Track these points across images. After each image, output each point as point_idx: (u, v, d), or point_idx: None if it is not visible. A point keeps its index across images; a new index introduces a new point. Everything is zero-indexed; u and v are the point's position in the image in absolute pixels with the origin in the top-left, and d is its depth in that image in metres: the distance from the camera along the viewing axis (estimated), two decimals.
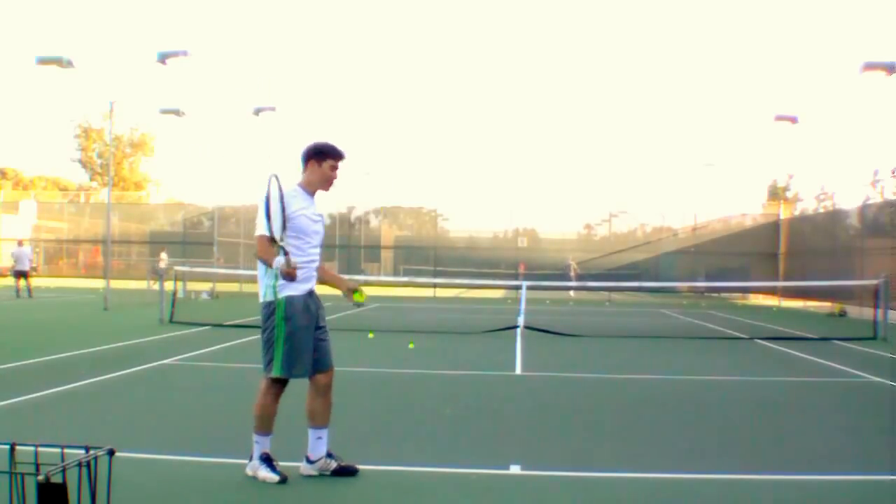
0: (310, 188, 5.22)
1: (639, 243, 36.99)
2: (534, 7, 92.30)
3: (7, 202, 44.45)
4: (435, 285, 33.15)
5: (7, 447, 3.45)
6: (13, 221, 40.96)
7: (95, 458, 3.39)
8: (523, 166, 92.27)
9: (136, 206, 46.85)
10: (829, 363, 11.90)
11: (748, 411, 8.16)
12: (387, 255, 39.50)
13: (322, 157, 5.20)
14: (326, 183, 5.24)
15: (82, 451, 3.39)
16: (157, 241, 38.60)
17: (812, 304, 28.48)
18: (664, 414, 7.95)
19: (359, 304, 5.33)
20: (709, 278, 32.10)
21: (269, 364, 5.03)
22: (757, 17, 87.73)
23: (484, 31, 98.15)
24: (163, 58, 20.94)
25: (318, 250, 5.22)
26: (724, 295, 34.99)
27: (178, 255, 32.30)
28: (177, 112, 28.21)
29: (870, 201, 34.61)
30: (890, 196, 44.53)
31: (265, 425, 5.06)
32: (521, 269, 34.31)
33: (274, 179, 4.99)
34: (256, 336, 14.38)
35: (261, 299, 5.11)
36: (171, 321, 16.12)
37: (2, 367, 9.73)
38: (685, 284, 34.05)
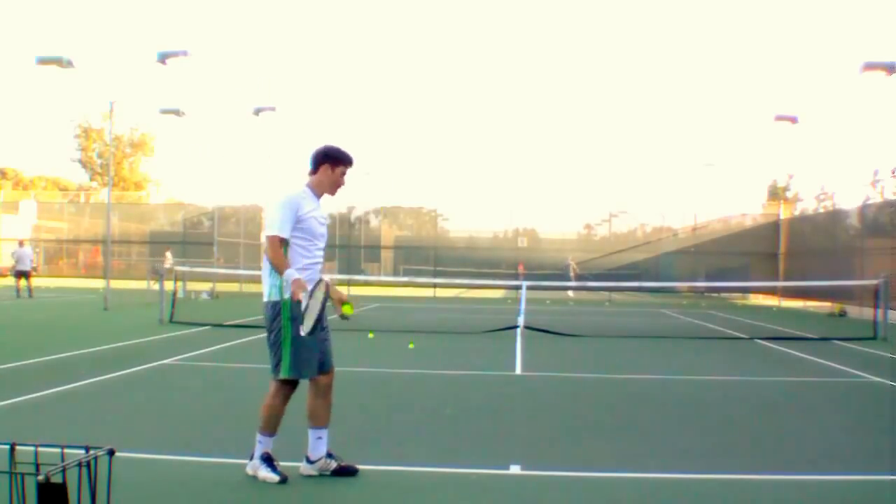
0: (318, 190, 5.23)
1: (639, 243, 36.99)
2: (534, 7, 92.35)
3: (7, 202, 44.47)
4: (435, 285, 33.15)
5: (7, 447, 3.45)
6: (13, 221, 40.96)
7: (95, 458, 3.39)
8: (523, 166, 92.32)
9: (136, 206, 46.85)
10: (829, 363, 11.90)
11: (748, 411, 8.16)
12: (387, 255, 39.50)
13: (336, 163, 5.23)
14: (335, 187, 5.27)
15: (82, 451, 3.39)
16: (157, 241, 38.60)
17: (812, 304, 28.48)
18: (664, 414, 7.95)
19: (345, 317, 5.29)
20: (709, 278, 32.10)
21: (277, 366, 5.02)
22: (757, 17, 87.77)
23: (484, 31, 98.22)
24: (163, 58, 20.94)
25: (322, 252, 5.24)
26: (724, 295, 34.99)
27: (178, 255, 32.26)
28: (177, 112, 28.22)
29: (870, 201, 34.62)
30: (890, 196, 44.58)
31: (271, 426, 5.06)
32: (521, 270, 34.30)
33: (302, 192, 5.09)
34: (257, 336, 14.44)
35: (265, 298, 5.10)
36: (171, 321, 16.13)
37: (2, 367, 9.73)
38: (685, 284, 34.04)
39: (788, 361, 12.40)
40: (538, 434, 6.88)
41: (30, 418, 7.02)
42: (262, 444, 5.06)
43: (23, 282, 24.82)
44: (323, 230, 5.22)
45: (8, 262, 31.07)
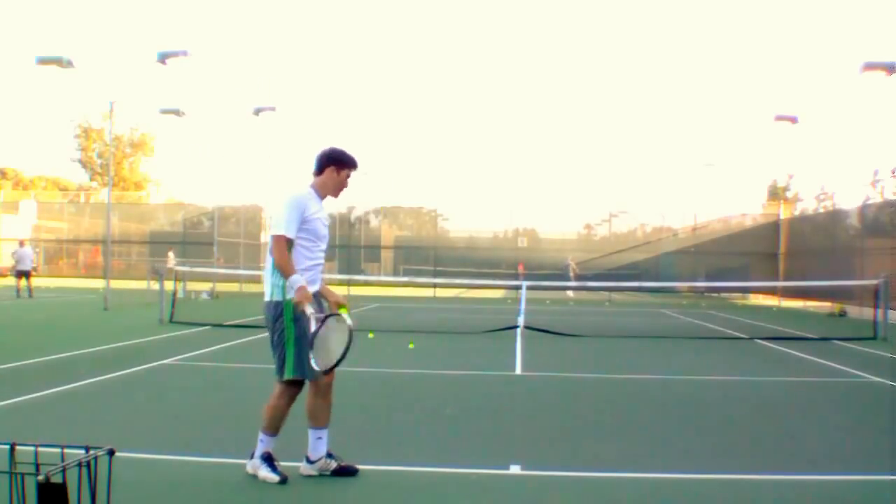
0: (322, 192, 5.23)
1: (639, 243, 36.99)
2: (534, 7, 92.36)
3: (7, 202, 44.48)
4: (435, 285, 33.16)
5: (7, 447, 3.45)
6: (13, 221, 40.98)
7: (95, 458, 3.39)
8: (523, 166, 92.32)
9: (136, 206, 46.86)
10: (829, 363, 11.90)
11: (748, 411, 8.16)
12: (387, 255, 39.50)
13: (342, 166, 5.25)
14: (339, 190, 5.29)
15: (82, 451, 3.39)
16: (157, 241, 38.62)
17: (812, 304, 28.48)
18: (664, 414, 7.95)
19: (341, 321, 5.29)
20: (709, 278, 32.11)
21: (281, 367, 5.02)
22: (757, 17, 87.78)
23: (484, 31, 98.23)
24: (163, 58, 20.95)
25: (324, 253, 5.25)
26: (724, 295, 35.00)
27: (178, 255, 32.29)
28: (177, 112, 28.22)
29: (870, 201, 34.64)
30: (890, 196, 44.60)
31: (273, 426, 5.07)
32: (521, 270, 34.29)
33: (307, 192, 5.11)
34: (257, 336, 14.44)
35: (266, 298, 5.10)
36: (171, 321, 16.13)
37: (2, 367, 9.73)
38: (685, 284, 34.05)
39: (788, 361, 12.40)
40: (538, 434, 6.88)
41: (30, 418, 7.02)
42: (263, 444, 5.07)
43: (23, 282, 24.86)
44: (326, 232, 5.24)
45: (8, 262, 31.09)
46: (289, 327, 4.99)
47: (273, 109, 29.40)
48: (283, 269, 4.96)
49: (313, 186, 5.22)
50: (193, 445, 6.10)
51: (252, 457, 5.12)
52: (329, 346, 4.87)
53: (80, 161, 63.02)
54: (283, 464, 5.08)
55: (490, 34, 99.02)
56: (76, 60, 20.20)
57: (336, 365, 4.84)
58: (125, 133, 61.30)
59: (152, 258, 35.57)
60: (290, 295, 4.96)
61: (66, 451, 3.42)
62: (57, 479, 3.16)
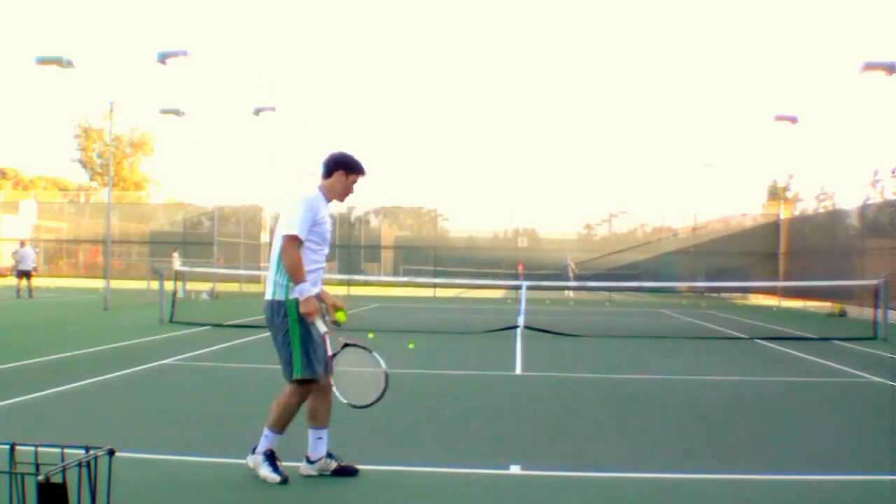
0: (329, 195, 5.24)
1: (639, 243, 36.99)
2: (534, 7, 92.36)
3: (7, 202, 44.47)
4: (435, 285, 33.16)
5: (7, 447, 3.45)
6: (13, 221, 40.98)
7: (95, 458, 3.39)
8: (523, 166, 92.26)
9: (136, 206, 46.85)
10: (829, 363, 11.90)
11: (748, 411, 8.16)
12: (387, 255, 39.49)
13: (351, 171, 5.25)
14: (345, 195, 5.30)
15: (82, 451, 3.39)
16: (157, 241, 38.62)
17: (812, 304, 28.48)
18: (664, 414, 7.95)
19: (337, 324, 5.30)
20: (709, 278, 32.11)
21: (289, 367, 5.01)
22: (757, 17, 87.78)
23: (484, 31, 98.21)
24: (163, 58, 20.96)
25: (326, 254, 5.25)
26: (724, 295, 35.00)
27: (179, 255, 32.26)
28: (177, 112, 28.23)
29: (870, 201, 34.64)
30: (890, 196, 44.58)
31: (281, 424, 5.06)
32: (520, 269, 34.30)
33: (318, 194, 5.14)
34: (257, 336, 14.43)
35: (269, 296, 5.09)
36: (171, 321, 16.13)
37: (2, 367, 9.73)
38: (685, 284, 34.05)
39: (788, 361, 12.40)
40: (538, 434, 6.88)
41: (30, 418, 7.02)
42: (267, 440, 5.05)
43: (24, 282, 24.91)
44: (329, 235, 5.27)
45: (8, 262, 31.10)
46: (293, 327, 4.98)
47: (273, 109, 29.43)
48: (295, 274, 4.94)
49: (321, 189, 5.22)
50: (193, 445, 6.10)
51: (254, 451, 5.09)
52: (359, 381, 4.99)
53: (80, 161, 63.03)
54: (283, 464, 5.07)
55: (490, 34, 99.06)
56: (76, 60, 20.22)
57: (366, 406, 4.99)
58: (125, 133, 61.31)
59: (152, 258, 35.57)
60: (294, 295, 4.97)
61: (66, 451, 3.42)
62: (57, 479, 3.16)
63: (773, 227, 33.80)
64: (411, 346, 13.06)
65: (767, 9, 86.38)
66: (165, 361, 10.72)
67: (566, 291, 33.49)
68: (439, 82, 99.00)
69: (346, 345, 5.08)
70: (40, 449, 3.39)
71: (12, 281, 26.22)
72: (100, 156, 61.08)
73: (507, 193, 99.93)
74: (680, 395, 9.10)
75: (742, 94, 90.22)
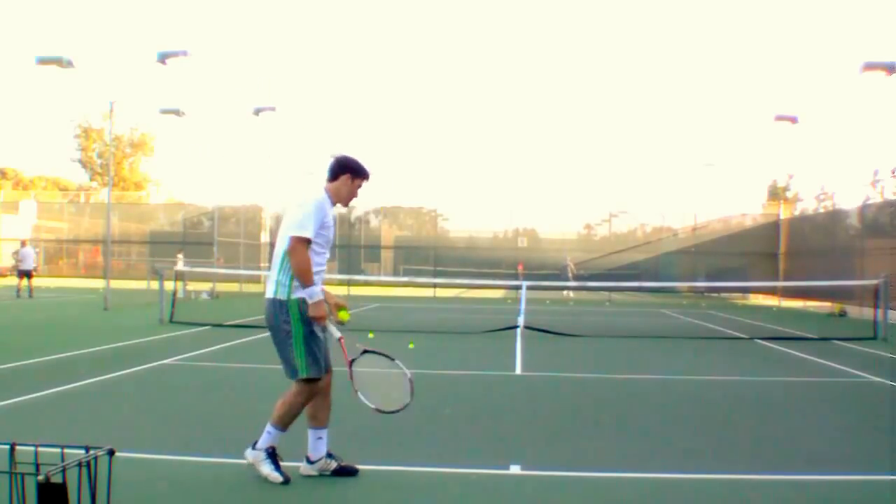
0: (335, 198, 5.26)
1: (639, 243, 36.99)
2: (534, 7, 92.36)
3: (7, 202, 44.47)
4: (435, 285, 33.16)
5: (7, 447, 3.45)
6: (13, 221, 40.98)
7: (95, 458, 3.39)
8: (523, 166, 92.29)
9: (136, 206, 46.86)
10: (829, 363, 11.90)
11: (748, 411, 8.16)
12: (387, 255, 39.49)
13: (356, 175, 5.28)
14: (350, 199, 5.33)
15: (82, 451, 3.39)
16: (157, 241, 38.62)
17: (812, 304, 28.49)
18: (664, 414, 7.95)
19: (341, 323, 5.33)
20: (709, 278, 32.11)
21: (293, 368, 5.01)
22: (757, 17, 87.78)
23: (484, 31, 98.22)
24: (163, 58, 20.95)
25: (327, 257, 5.26)
26: (724, 295, 35.00)
27: (176, 255, 32.27)
28: (177, 112, 28.22)
29: (870, 201, 34.67)
30: (890, 196, 44.60)
31: (285, 422, 5.05)
32: (520, 269, 34.30)
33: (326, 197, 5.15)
34: (257, 336, 14.41)
35: (270, 295, 5.08)
36: (171, 321, 16.13)
37: (2, 367, 9.73)
38: (685, 284, 34.06)
39: (788, 361, 12.40)
40: (538, 434, 6.88)
41: (30, 418, 7.02)
42: (270, 436, 5.04)
43: (24, 281, 24.95)
44: (332, 238, 5.29)
45: (9, 262, 31.10)
46: (296, 326, 4.98)
47: (273, 109, 29.41)
48: (304, 276, 4.94)
49: (327, 192, 5.22)
50: (193, 445, 6.10)
51: (254, 446, 5.08)
52: (383, 386, 5.06)
53: (80, 161, 63.04)
54: (283, 464, 5.07)
55: (490, 34, 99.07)
56: (76, 60, 20.21)
57: (394, 412, 5.06)
58: (125, 133, 61.32)
59: (152, 258, 35.57)
60: (295, 296, 4.97)
61: (66, 451, 3.42)
62: (57, 479, 3.16)
63: (773, 227, 33.80)
64: (411, 346, 13.06)
65: (767, 9, 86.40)
66: (165, 361, 10.72)
67: (565, 292, 33.51)
68: (439, 82, 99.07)
69: (365, 351, 5.12)
70: (40, 449, 3.39)
71: (12, 281, 26.24)
72: (100, 156, 61.08)
73: (507, 193, 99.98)
74: (680, 395, 9.10)
75: (742, 94, 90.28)
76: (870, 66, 20.15)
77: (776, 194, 52.64)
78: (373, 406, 5.06)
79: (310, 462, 5.19)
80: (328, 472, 5.18)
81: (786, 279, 30.38)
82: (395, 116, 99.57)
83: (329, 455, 5.21)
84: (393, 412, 5.09)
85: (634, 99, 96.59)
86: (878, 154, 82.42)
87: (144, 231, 41.15)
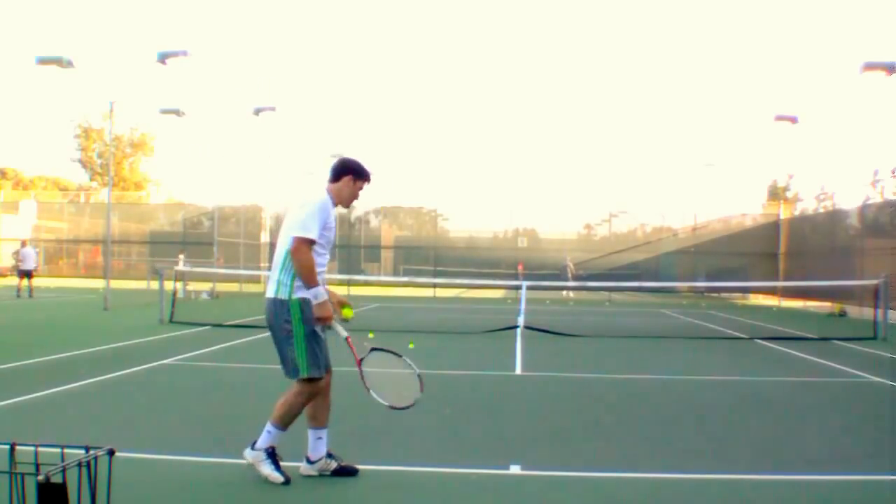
0: (337, 199, 5.26)
1: (639, 243, 36.98)
2: (534, 7, 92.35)
3: (7, 202, 44.47)
4: (435, 285, 33.15)
5: (7, 447, 3.45)
6: (13, 221, 40.98)
7: (95, 458, 3.39)
8: (523, 166, 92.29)
9: (136, 206, 46.84)
10: (829, 363, 11.90)
11: (748, 411, 8.16)
12: (387, 255, 39.49)
13: (359, 177, 5.29)
14: (351, 200, 5.34)
15: (82, 451, 3.39)
16: (157, 241, 38.62)
17: (812, 304, 28.48)
18: (664, 414, 7.95)
19: (345, 320, 5.37)
20: (709, 278, 32.10)
21: (294, 368, 5.00)
22: (757, 17, 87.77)
23: (484, 30, 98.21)
24: (163, 58, 20.95)
25: (328, 259, 5.27)
26: (724, 295, 34.99)
27: (177, 255, 32.27)
28: (177, 112, 28.23)
29: (870, 201, 34.67)
30: (890, 196, 44.59)
31: (285, 421, 5.05)
32: (520, 269, 34.31)
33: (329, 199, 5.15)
34: (257, 336, 14.40)
35: (271, 294, 5.08)
36: (171, 321, 16.13)
37: (2, 367, 9.73)
38: (685, 284, 34.05)
39: (788, 361, 12.40)
40: (538, 434, 6.88)
41: (30, 418, 7.02)
42: (270, 435, 5.03)
43: (24, 281, 24.98)
44: (333, 239, 5.29)
45: (9, 262, 31.10)
46: (297, 326, 4.98)
47: (273, 109, 29.43)
48: (308, 277, 4.94)
49: (329, 193, 5.22)
50: (193, 445, 6.10)
51: (253, 446, 5.07)
52: (393, 383, 5.12)
53: (80, 161, 63.04)
54: (283, 464, 5.07)
55: (490, 34, 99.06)
56: (76, 60, 20.21)
57: (406, 408, 5.12)
58: (125, 133, 61.31)
59: (152, 258, 35.56)
60: (296, 296, 4.98)
61: (66, 451, 3.42)
62: (57, 479, 3.16)
63: (773, 227, 33.80)
64: (411, 346, 13.04)
65: (767, 9, 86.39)
66: (165, 361, 10.72)
67: (565, 292, 33.52)
68: (439, 82, 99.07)
69: (374, 349, 5.16)
70: (40, 449, 3.39)
71: (13, 281, 26.25)
72: (100, 156, 61.08)
73: (507, 193, 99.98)
74: (680, 395, 9.10)
75: (742, 94, 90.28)
76: (870, 66, 20.15)
77: (776, 194, 52.64)
78: (387, 404, 5.11)
79: (310, 462, 5.19)
80: (328, 472, 5.18)
81: (786, 279, 30.38)
82: (395, 116, 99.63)
83: (329, 455, 5.21)
84: (406, 408, 5.13)
85: (634, 99, 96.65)
86: (878, 154, 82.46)
87: (144, 231, 41.14)
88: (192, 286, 27.33)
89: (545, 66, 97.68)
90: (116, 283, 26.45)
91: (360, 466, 5.30)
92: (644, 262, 35.14)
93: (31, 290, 24.71)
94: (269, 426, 5.05)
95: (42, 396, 7.92)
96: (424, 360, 11.52)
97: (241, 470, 5.16)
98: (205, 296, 27.33)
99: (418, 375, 5.06)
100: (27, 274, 25.08)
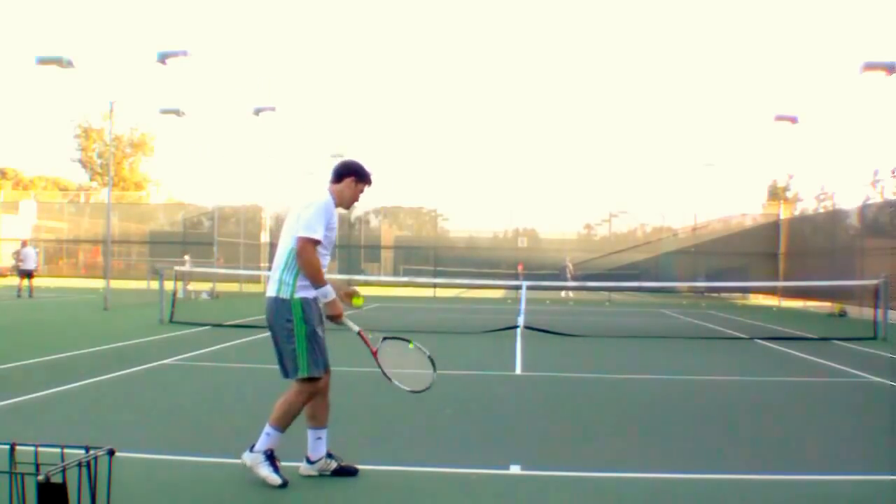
0: (338, 200, 5.26)
1: (639, 243, 36.98)
2: (534, 7, 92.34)
3: (7, 202, 44.47)
4: (435, 285, 33.16)
5: (7, 447, 3.45)
6: (13, 221, 40.98)
7: (95, 458, 3.39)
8: (523, 166, 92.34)
9: (136, 206, 46.83)
10: (829, 363, 11.90)
11: (748, 411, 8.16)
12: (387, 255, 39.49)
13: (360, 179, 5.31)
14: (352, 202, 5.35)
15: (82, 451, 3.39)
16: (157, 241, 38.62)
17: (812, 304, 28.48)
18: (664, 414, 7.95)
19: (357, 307, 5.47)
20: (709, 278, 32.10)
21: (294, 367, 5.01)
22: (757, 17, 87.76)
23: (484, 30, 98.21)
24: (163, 58, 20.95)
25: (329, 259, 5.27)
26: (724, 295, 34.99)
27: (178, 255, 32.26)
28: (177, 112, 28.23)
29: (870, 201, 34.65)
30: (890, 196, 44.59)
31: (284, 422, 5.04)
32: (520, 269, 34.31)
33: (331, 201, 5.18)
34: (257, 336, 14.40)
35: (272, 293, 5.08)
36: (171, 321, 16.13)
37: (2, 367, 9.73)
38: (685, 284, 34.04)
39: (788, 361, 12.40)
40: (538, 434, 6.88)
41: (30, 418, 7.02)
42: (269, 438, 5.01)
43: (25, 281, 25.00)
44: (334, 239, 5.31)
45: (9, 262, 31.10)
46: (299, 325, 4.98)
47: (273, 109, 29.43)
48: (315, 277, 4.95)
49: (331, 194, 5.22)
50: (193, 445, 6.10)
51: (252, 449, 5.05)
52: (410, 368, 5.26)
53: (80, 161, 63.03)
54: (283, 464, 5.06)
55: (490, 34, 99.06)
56: (76, 60, 20.21)
57: (424, 390, 5.26)
58: (125, 133, 61.32)
59: (152, 258, 35.56)
60: (298, 295, 4.98)
61: (66, 451, 3.42)
62: (57, 479, 3.16)
63: (773, 228, 33.80)
64: (411, 346, 13.05)
65: (767, 9, 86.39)
66: (165, 361, 10.72)
67: (563, 292, 33.51)
68: (439, 82, 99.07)
69: (385, 338, 5.29)
70: (40, 449, 3.39)
71: (13, 281, 26.27)
72: (100, 156, 61.07)
73: (507, 193, 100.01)
74: (680, 395, 9.09)
75: (742, 94, 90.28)
76: (870, 66, 20.15)
77: (776, 194, 52.64)
78: (408, 389, 5.25)
79: (310, 462, 5.19)
80: (328, 473, 5.18)
81: (786, 279, 30.38)
82: (395, 116, 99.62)
83: (329, 455, 5.21)
84: (425, 390, 5.27)
85: (634, 99, 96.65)
86: (878, 154, 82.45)
87: (144, 231, 41.14)
88: (192, 286, 27.33)
89: (545, 66, 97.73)
90: (116, 283, 26.45)
91: (360, 466, 5.30)
92: (644, 262, 35.13)
93: (31, 290, 24.72)
94: (267, 428, 5.04)
95: (42, 396, 7.92)
96: None
97: (241, 470, 5.16)
98: (205, 296, 27.33)
99: (429, 357, 5.18)
100: (27, 274, 25.10)
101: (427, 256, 36.01)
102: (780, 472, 5.68)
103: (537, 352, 13.03)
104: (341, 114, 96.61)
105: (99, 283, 30.82)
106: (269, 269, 5.43)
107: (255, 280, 32.44)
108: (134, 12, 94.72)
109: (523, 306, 17.36)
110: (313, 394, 5.07)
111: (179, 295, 18.61)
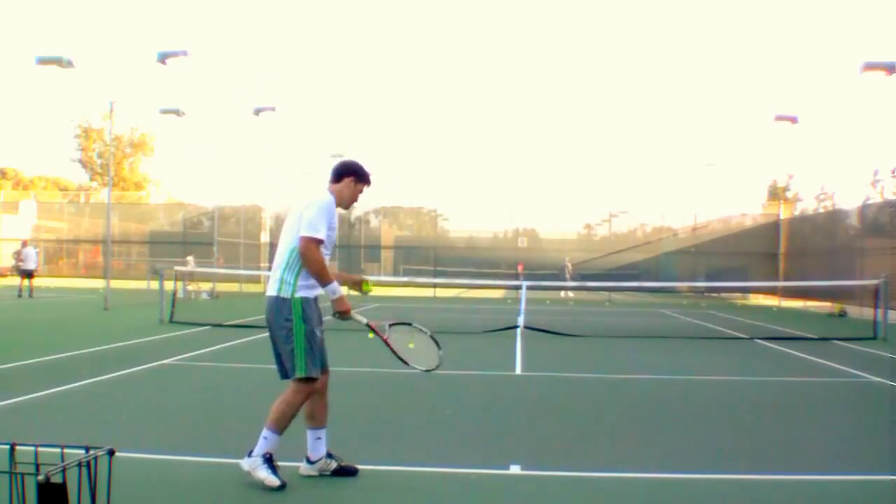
0: (338, 200, 5.26)
1: (639, 243, 36.98)
2: (534, 7, 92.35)
3: (7, 202, 44.45)
4: (435, 285, 33.16)
5: (7, 447, 3.45)
6: (13, 221, 40.97)
7: (95, 458, 3.39)
8: (523, 166, 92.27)
9: (136, 206, 46.82)
10: (829, 363, 11.90)
11: (748, 411, 8.16)
12: (387, 255, 39.49)
13: (360, 179, 5.32)
14: (351, 202, 5.37)
15: (82, 451, 3.39)
16: (157, 241, 38.62)
17: (812, 304, 28.48)
18: (664, 414, 7.95)
19: (367, 293, 5.70)
20: (709, 278, 32.10)
21: (291, 366, 5.00)
22: (757, 17, 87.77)
23: (484, 30, 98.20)
24: (163, 58, 20.94)
25: (329, 259, 5.28)
26: (724, 295, 34.98)
27: (178, 255, 32.27)
28: (177, 112, 28.23)
29: (870, 201, 34.66)
30: (890, 196, 44.59)
31: (282, 424, 5.01)
32: (520, 269, 34.31)
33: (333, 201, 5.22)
34: (257, 336, 14.41)
35: (272, 292, 5.07)
36: (171, 321, 16.13)
37: (2, 367, 9.73)
38: (685, 284, 34.04)
39: (788, 361, 12.40)
40: (538, 434, 6.88)
41: (30, 418, 7.02)
42: (266, 441, 4.99)
43: (25, 281, 25.02)
44: (335, 239, 5.32)
45: (9, 262, 31.11)
46: (298, 325, 4.98)
47: (273, 109, 29.42)
48: (321, 275, 4.97)
49: (332, 194, 5.22)
50: (193, 445, 6.10)
51: (250, 454, 5.03)
52: (419, 349, 5.51)
53: (80, 161, 62.98)
54: (282, 464, 5.05)
55: (490, 34, 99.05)
56: (76, 60, 20.21)
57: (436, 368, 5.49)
58: (125, 133, 61.26)
59: (152, 258, 35.57)
60: (298, 295, 4.99)
61: (66, 451, 3.42)
62: (57, 479, 3.16)
63: (773, 228, 33.80)
64: (411, 346, 13.05)
65: (767, 9, 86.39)
66: (165, 361, 10.72)
67: (563, 292, 33.50)
68: (439, 82, 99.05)
69: (392, 325, 5.46)
70: (40, 449, 3.39)
71: (13, 281, 26.29)
72: (100, 156, 61.04)
73: (507, 193, 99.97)
74: (680, 395, 9.09)
75: (742, 94, 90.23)
76: (870, 66, 20.15)
77: (776, 194, 52.62)
78: (423, 369, 5.47)
79: (309, 462, 5.19)
80: (328, 473, 5.18)
81: (786, 279, 30.38)
82: (395, 116, 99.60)
83: (329, 455, 5.21)
84: (438, 367, 5.50)
85: (634, 99, 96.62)
86: (878, 154, 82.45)
87: (144, 231, 41.13)
88: (192, 286, 27.33)
89: (545, 66, 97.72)
90: (116, 283, 26.46)
91: (359, 466, 5.30)
92: (644, 262, 35.13)
93: (31, 290, 24.74)
94: (265, 432, 5.02)
95: (42, 396, 7.92)
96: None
97: (241, 470, 5.15)
98: (205, 296, 27.33)
99: (432, 336, 5.44)
100: (28, 274, 25.13)
101: (427, 256, 36.01)
102: (780, 472, 5.68)
103: (537, 352, 13.03)
104: (341, 114, 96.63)
105: (99, 283, 30.83)
106: (269, 268, 5.43)
107: (255, 280, 32.43)
108: (134, 12, 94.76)
109: (523, 306, 17.37)
110: (310, 394, 5.07)
111: (179, 295, 18.60)
